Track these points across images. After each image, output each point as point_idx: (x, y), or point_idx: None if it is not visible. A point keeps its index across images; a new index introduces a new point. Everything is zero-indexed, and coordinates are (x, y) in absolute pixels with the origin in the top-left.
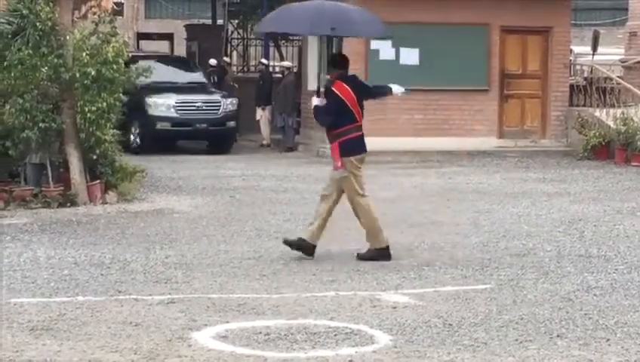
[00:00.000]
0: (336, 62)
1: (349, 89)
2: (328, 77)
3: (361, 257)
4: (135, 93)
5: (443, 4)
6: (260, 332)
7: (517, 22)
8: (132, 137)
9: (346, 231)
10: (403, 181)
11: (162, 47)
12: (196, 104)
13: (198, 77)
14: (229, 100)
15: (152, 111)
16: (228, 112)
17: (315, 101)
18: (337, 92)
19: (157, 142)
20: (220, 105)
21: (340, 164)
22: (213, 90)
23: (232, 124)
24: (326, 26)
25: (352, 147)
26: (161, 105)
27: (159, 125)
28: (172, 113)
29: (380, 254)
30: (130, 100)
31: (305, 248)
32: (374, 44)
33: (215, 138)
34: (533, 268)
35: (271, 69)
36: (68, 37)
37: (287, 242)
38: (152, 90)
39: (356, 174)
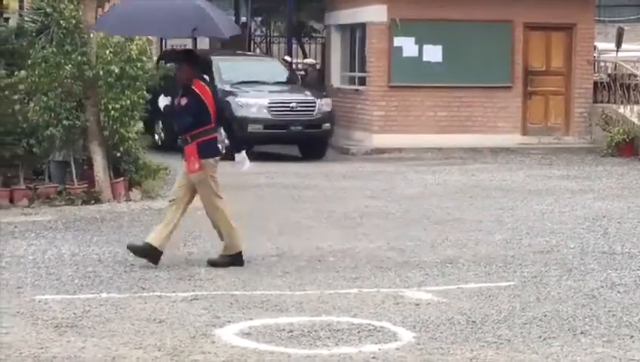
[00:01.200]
0: (193, 60)
1: (208, 90)
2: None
3: (213, 263)
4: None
5: (466, 1)
6: (284, 329)
7: (540, 18)
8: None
9: (362, 228)
10: (426, 178)
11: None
12: (290, 104)
13: (286, 76)
14: (324, 100)
15: (242, 113)
16: (323, 113)
17: (164, 101)
18: (198, 91)
19: (249, 145)
20: (314, 106)
21: (197, 166)
22: (306, 89)
23: (327, 126)
24: (187, 27)
25: (211, 148)
26: (253, 105)
27: (251, 128)
28: (265, 114)
29: (234, 260)
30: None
31: (152, 255)
32: (397, 41)
33: (310, 141)
34: (556, 265)
35: (294, 66)
36: (92, 35)
37: (131, 247)
38: (241, 90)
39: (214, 176)
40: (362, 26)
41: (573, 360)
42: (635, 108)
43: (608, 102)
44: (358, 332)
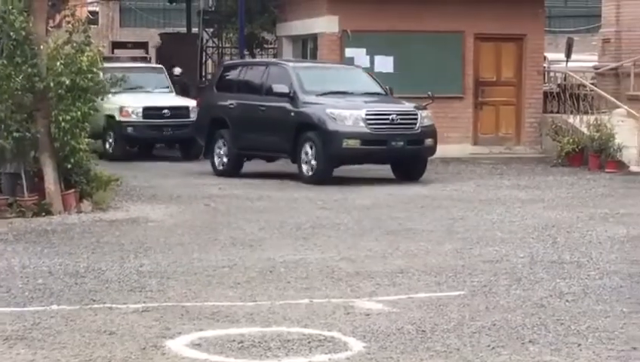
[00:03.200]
0: None
1: None
2: None
3: None
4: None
5: (417, 12)
6: (234, 340)
7: (491, 29)
8: (304, 162)
9: (314, 239)
10: (377, 188)
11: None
12: (390, 116)
13: (372, 85)
14: (425, 113)
15: (334, 126)
16: (425, 127)
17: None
18: None
19: (340, 164)
20: (416, 119)
21: None
22: (401, 100)
23: (430, 142)
24: None
25: None
26: (348, 117)
27: (346, 143)
28: (362, 128)
29: None
30: (297, 116)
31: None
32: (349, 52)
33: (409, 160)
34: (506, 275)
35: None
36: (42, 46)
37: None
38: (330, 101)
39: None
40: (314, 37)
41: None
42: (585, 118)
43: (558, 112)
44: (309, 342)
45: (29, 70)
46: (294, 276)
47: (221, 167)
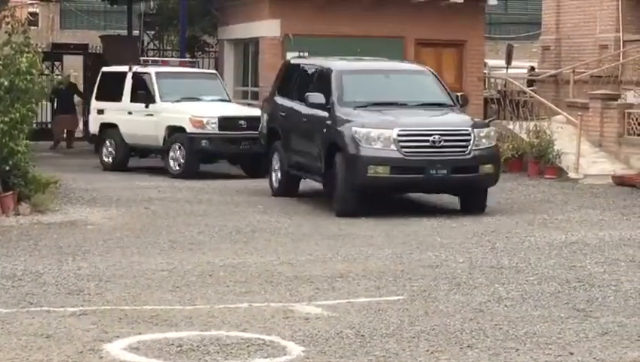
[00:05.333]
0: None
1: None
2: None
3: None
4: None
5: (360, 17)
6: (173, 344)
7: (432, 35)
8: (339, 189)
9: (254, 243)
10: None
11: (77, 61)
12: (430, 137)
13: (438, 93)
14: (485, 131)
15: (355, 149)
16: (481, 150)
17: None
18: None
19: (367, 195)
20: (468, 140)
21: None
22: (463, 114)
23: (487, 169)
24: None
25: None
26: (374, 138)
27: (372, 171)
28: (391, 151)
29: None
30: (328, 132)
31: None
32: (290, 56)
33: (460, 190)
34: (445, 280)
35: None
36: None
37: None
38: (360, 114)
39: None
40: (255, 40)
41: None
42: (524, 124)
43: (498, 118)
44: (248, 346)
45: None
46: (233, 280)
47: (276, 185)
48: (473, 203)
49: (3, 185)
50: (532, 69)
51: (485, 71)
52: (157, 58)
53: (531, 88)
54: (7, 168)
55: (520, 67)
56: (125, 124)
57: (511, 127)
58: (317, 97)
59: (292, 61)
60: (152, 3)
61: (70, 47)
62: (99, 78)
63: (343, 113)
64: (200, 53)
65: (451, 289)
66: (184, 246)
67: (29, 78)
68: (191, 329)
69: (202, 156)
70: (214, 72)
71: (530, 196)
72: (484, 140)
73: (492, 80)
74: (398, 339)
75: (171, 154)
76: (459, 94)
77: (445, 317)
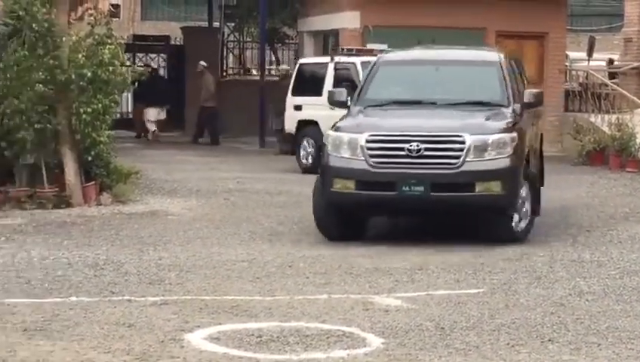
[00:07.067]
0: None
1: None
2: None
3: None
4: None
5: (440, 8)
6: (253, 334)
7: (513, 27)
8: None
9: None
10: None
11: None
12: (407, 145)
13: (488, 91)
14: (492, 139)
15: (328, 158)
16: (482, 162)
17: None
18: None
19: (340, 215)
20: (461, 149)
21: None
22: (497, 114)
23: (490, 187)
24: None
25: None
26: (346, 144)
27: (338, 185)
28: (360, 161)
29: None
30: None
31: None
32: (371, 47)
33: (448, 214)
34: (525, 273)
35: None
36: (64, 38)
37: None
38: (351, 115)
39: None
40: (335, 32)
41: None
42: (606, 117)
43: (579, 111)
44: (327, 337)
45: (51, 62)
46: (313, 271)
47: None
48: (487, 229)
49: (85, 176)
50: (611, 61)
51: (566, 63)
52: (359, 47)
53: (613, 81)
54: (90, 158)
55: (600, 59)
56: (327, 120)
57: (592, 119)
58: (339, 94)
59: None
60: None
61: (150, 38)
62: (295, 70)
63: (349, 112)
64: (280, 45)
65: (532, 282)
66: (264, 237)
67: (111, 69)
68: (271, 320)
69: None
70: None
71: (611, 190)
72: (490, 151)
73: (573, 72)
74: (478, 332)
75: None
76: (534, 91)
77: (526, 310)
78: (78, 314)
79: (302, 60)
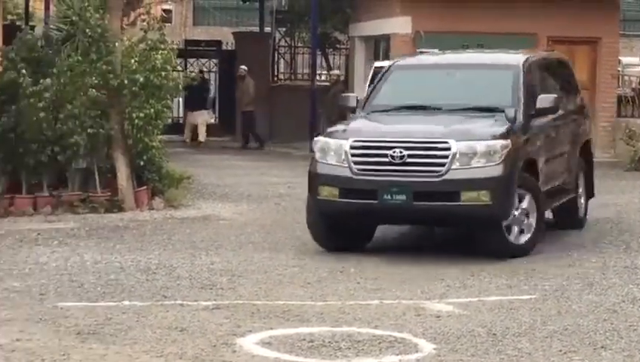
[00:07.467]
0: None
1: None
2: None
3: None
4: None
5: (491, 14)
6: (304, 339)
7: (565, 32)
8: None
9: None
10: None
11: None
12: (390, 151)
13: (498, 96)
14: (482, 145)
15: (315, 165)
16: (470, 170)
17: None
18: None
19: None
20: (446, 155)
21: None
22: (497, 120)
23: (477, 197)
24: None
25: None
26: (334, 150)
27: (324, 193)
28: (344, 168)
29: None
30: None
31: None
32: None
33: (436, 223)
34: (578, 279)
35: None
36: (117, 44)
37: None
38: (346, 123)
39: None
40: (387, 37)
41: None
42: None
43: (632, 116)
44: (379, 343)
45: (104, 67)
46: (364, 276)
47: None
48: (480, 242)
49: (137, 180)
50: None
51: (619, 68)
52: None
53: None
54: (142, 163)
55: None
56: None
57: None
58: (349, 100)
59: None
60: (283, 0)
61: (202, 43)
62: (371, 73)
63: (351, 117)
64: (331, 50)
65: (584, 289)
66: (314, 242)
67: (163, 74)
68: (322, 325)
69: None
70: None
71: None
72: (478, 158)
73: (626, 77)
74: (530, 339)
75: None
76: (550, 96)
77: (578, 317)
78: (131, 318)
79: (377, 63)
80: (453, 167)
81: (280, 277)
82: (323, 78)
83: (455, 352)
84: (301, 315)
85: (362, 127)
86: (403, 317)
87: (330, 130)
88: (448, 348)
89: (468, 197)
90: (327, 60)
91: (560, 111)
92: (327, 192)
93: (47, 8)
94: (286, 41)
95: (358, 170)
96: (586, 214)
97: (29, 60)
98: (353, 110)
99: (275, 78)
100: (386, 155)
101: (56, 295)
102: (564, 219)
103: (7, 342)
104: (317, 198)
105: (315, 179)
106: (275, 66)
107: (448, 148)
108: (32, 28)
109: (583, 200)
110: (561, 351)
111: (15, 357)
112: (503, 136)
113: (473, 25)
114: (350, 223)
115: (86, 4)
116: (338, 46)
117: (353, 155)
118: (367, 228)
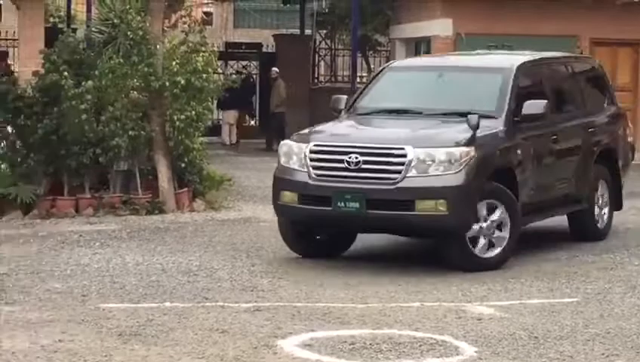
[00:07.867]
0: None
1: None
2: None
3: None
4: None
5: (532, 16)
6: (345, 342)
7: (607, 34)
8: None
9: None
10: None
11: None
12: (346, 156)
13: (482, 100)
14: (443, 152)
15: (279, 169)
16: (427, 178)
17: None
18: None
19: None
20: (402, 163)
21: None
22: (470, 125)
23: (434, 206)
24: None
25: None
26: (296, 154)
27: (285, 198)
28: (304, 173)
29: None
30: None
31: None
32: None
33: (391, 232)
34: (620, 282)
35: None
36: (158, 46)
37: None
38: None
39: None
40: (427, 40)
41: None
42: None
43: None
44: (420, 345)
45: (145, 69)
46: (405, 279)
47: None
48: (443, 254)
49: (178, 182)
50: None
51: None
52: None
53: None
54: (183, 165)
55: None
56: None
57: None
58: (339, 101)
59: None
60: (324, 2)
61: (243, 46)
62: None
63: (331, 121)
64: (372, 52)
65: (627, 292)
66: (356, 244)
67: (204, 76)
68: (363, 328)
69: None
70: None
71: None
72: (436, 166)
73: None
74: (572, 342)
75: None
76: (537, 102)
77: (621, 320)
78: (172, 319)
79: None
80: (409, 174)
81: (321, 279)
82: (364, 80)
83: (496, 355)
84: (342, 317)
85: (327, 131)
86: (444, 319)
87: (297, 133)
88: (489, 351)
89: (423, 206)
90: (367, 62)
91: (564, 118)
92: (288, 198)
93: (88, 11)
94: (326, 44)
95: (316, 175)
96: (609, 225)
97: (71, 63)
98: (341, 112)
99: (316, 81)
100: (342, 161)
101: (98, 296)
102: (577, 230)
103: (50, 343)
104: (278, 203)
105: (277, 184)
106: (316, 68)
107: (404, 155)
108: (74, 30)
109: (605, 211)
110: (603, 354)
111: (57, 358)
112: (465, 144)
113: (514, 27)
114: (313, 230)
115: (127, 6)
116: (378, 48)
117: (312, 160)
118: (343, 235)
